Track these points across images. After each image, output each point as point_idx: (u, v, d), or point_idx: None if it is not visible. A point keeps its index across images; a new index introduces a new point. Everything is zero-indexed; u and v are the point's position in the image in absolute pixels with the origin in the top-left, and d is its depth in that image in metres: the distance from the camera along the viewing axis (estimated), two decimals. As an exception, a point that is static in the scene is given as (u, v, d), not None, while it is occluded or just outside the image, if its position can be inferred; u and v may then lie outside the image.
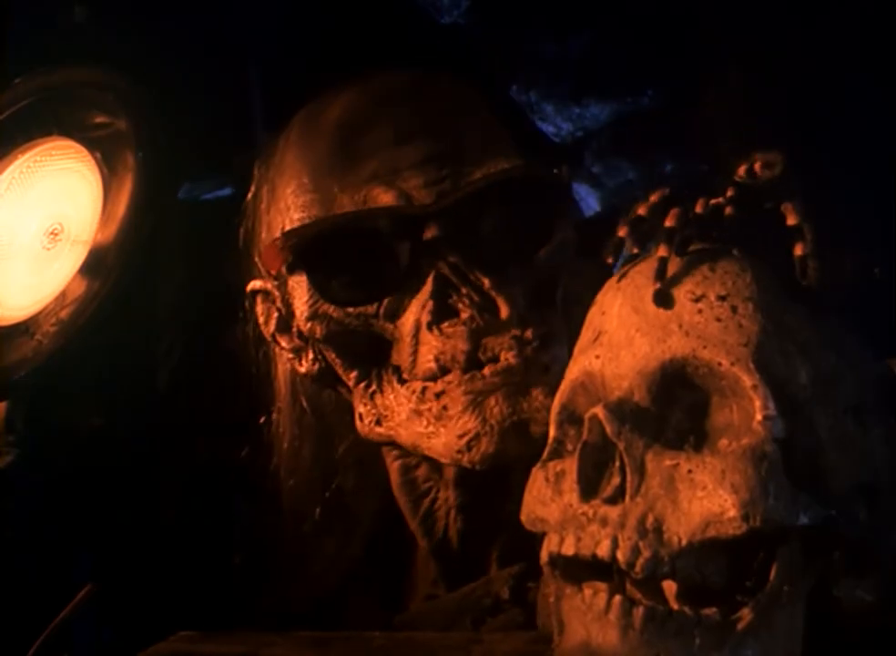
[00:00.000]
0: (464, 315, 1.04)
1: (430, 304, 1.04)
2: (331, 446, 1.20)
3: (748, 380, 0.77)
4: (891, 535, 0.80)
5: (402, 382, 1.08)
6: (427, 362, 1.05)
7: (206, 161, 1.52)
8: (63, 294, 1.35)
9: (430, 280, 1.05)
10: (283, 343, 1.16)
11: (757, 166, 0.85)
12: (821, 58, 1.41)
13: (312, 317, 1.10)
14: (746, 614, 0.76)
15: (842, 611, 0.79)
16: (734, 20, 1.46)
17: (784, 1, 1.45)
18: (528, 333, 1.04)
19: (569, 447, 0.85)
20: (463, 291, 1.04)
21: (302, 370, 1.16)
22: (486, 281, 1.04)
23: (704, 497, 0.75)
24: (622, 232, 0.86)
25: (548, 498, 0.82)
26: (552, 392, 0.96)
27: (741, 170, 0.85)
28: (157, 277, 1.42)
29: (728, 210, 0.83)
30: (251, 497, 1.31)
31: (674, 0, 1.53)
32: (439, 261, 1.05)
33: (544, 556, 0.82)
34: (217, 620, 1.09)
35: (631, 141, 1.63)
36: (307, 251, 1.09)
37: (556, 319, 1.08)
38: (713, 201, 0.84)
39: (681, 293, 0.81)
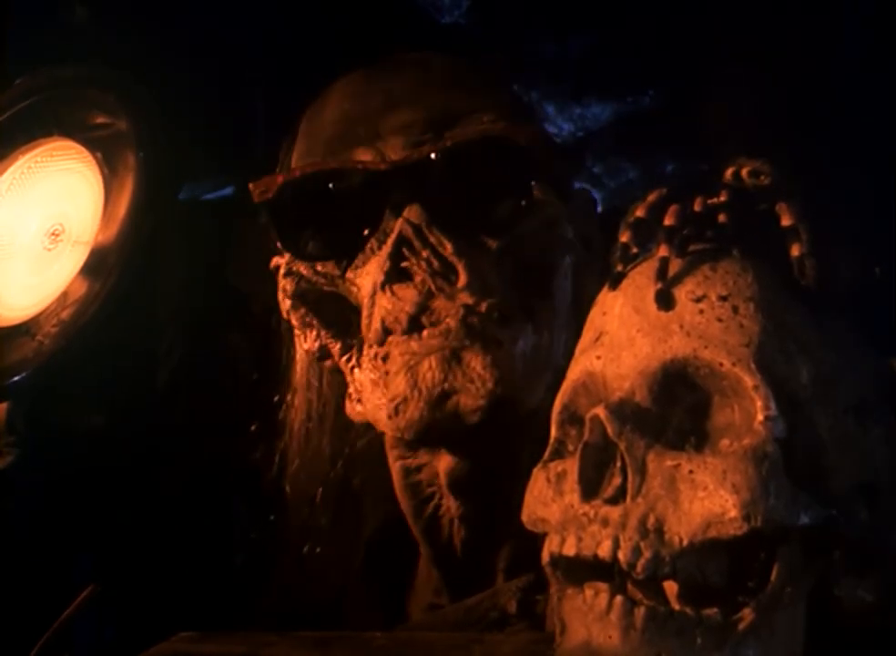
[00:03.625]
0: (417, 278, 1.02)
1: (387, 264, 1.02)
2: (345, 435, 1.19)
3: (749, 380, 0.77)
4: (892, 535, 0.80)
5: (363, 345, 1.07)
6: (376, 322, 1.03)
7: (207, 161, 1.52)
8: (64, 295, 1.35)
9: (392, 240, 1.03)
10: (294, 320, 1.14)
11: (744, 172, 0.84)
12: (821, 58, 1.41)
13: (287, 273, 1.11)
14: (747, 614, 0.76)
15: (843, 611, 0.79)
16: (734, 20, 1.46)
17: (784, 1, 1.45)
18: (483, 306, 1.01)
19: (570, 448, 0.85)
20: (423, 254, 1.02)
21: (306, 347, 1.15)
22: (448, 246, 1.02)
23: (705, 497, 0.75)
24: (625, 237, 0.85)
25: (549, 499, 0.82)
26: (496, 364, 0.98)
27: (728, 174, 0.85)
28: (158, 277, 1.42)
29: (722, 217, 0.82)
30: (252, 498, 1.31)
31: (674, 0, 1.53)
32: (403, 221, 1.02)
33: (545, 556, 0.82)
34: (217, 619, 1.09)
35: (632, 141, 1.63)
36: (279, 205, 1.09)
37: (543, 307, 1.06)
38: (710, 201, 0.84)
39: (682, 294, 0.81)
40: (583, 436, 0.80)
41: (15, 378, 1.35)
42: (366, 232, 1.05)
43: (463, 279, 1.01)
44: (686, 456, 0.77)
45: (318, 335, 1.13)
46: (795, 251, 0.81)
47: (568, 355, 0.87)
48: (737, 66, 1.47)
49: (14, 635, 1.20)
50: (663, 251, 0.83)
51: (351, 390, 1.10)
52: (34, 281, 1.39)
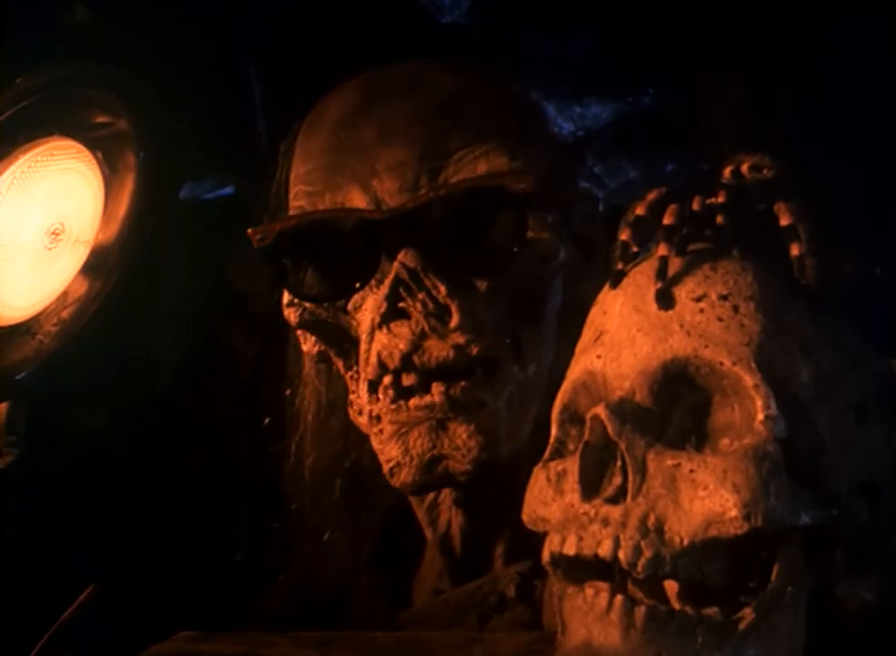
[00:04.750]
0: (413, 317, 1.05)
1: (384, 306, 1.06)
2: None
3: (749, 380, 0.77)
4: (893, 534, 0.80)
5: (361, 378, 1.10)
6: (373, 357, 1.07)
7: (207, 161, 1.52)
8: (64, 294, 1.35)
9: (388, 281, 1.06)
10: (291, 320, 1.16)
11: (744, 168, 0.84)
12: (821, 58, 1.41)
13: (290, 304, 1.14)
14: (747, 614, 0.76)
15: (844, 611, 0.79)
16: (734, 20, 1.46)
17: (784, 1, 1.45)
18: (474, 349, 1.05)
19: (570, 447, 0.85)
20: (419, 296, 1.05)
21: (306, 349, 1.18)
22: (443, 289, 1.05)
23: (705, 496, 0.75)
24: (624, 235, 0.86)
25: (549, 498, 0.82)
26: (480, 431, 1.03)
27: (727, 172, 0.85)
28: (159, 277, 1.42)
29: (720, 218, 0.83)
30: (253, 497, 1.31)
31: (674, 0, 1.53)
32: (399, 265, 1.06)
33: (545, 556, 0.82)
34: (217, 619, 1.09)
35: (632, 141, 1.63)
36: (277, 249, 1.12)
37: (533, 337, 1.09)
38: (709, 201, 0.84)
39: (682, 293, 0.81)
40: (583, 436, 0.80)
41: (16, 377, 1.35)
42: (363, 274, 1.09)
43: (455, 320, 1.05)
44: (686, 456, 0.77)
45: (317, 341, 1.17)
46: (794, 250, 0.81)
47: (559, 371, 0.89)
48: (737, 66, 1.47)
49: (14, 635, 1.20)
50: (662, 250, 0.83)
51: (353, 398, 1.14)
52: (34, 281, 1.39)
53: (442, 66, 1.17)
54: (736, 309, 0.80)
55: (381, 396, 1.07)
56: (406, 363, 1.05)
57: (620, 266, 0.85)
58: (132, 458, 1.40)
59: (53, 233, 1.40)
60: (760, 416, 0.76)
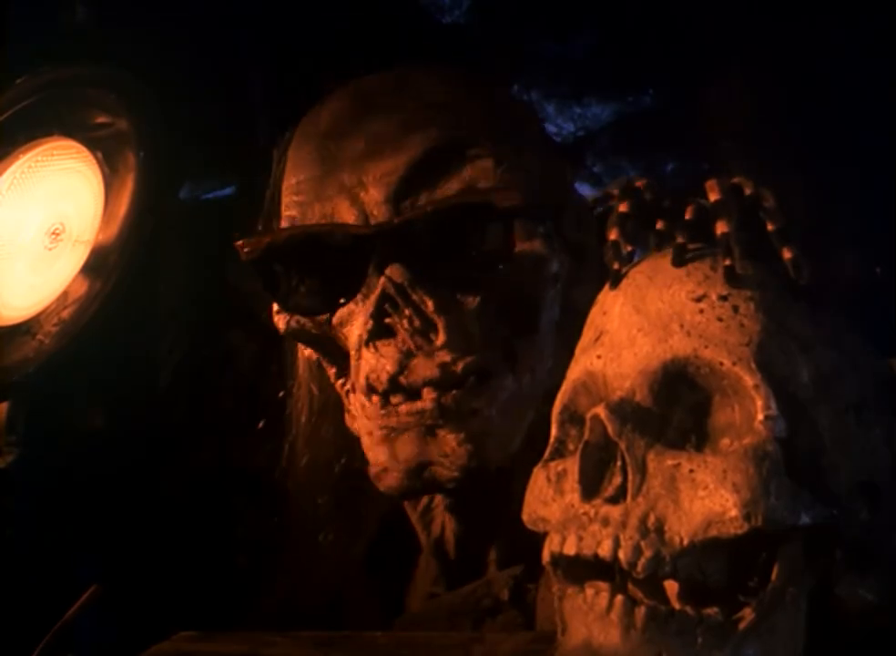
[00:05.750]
0: (399, 336, 1.05)
1: (370, 323, 1.05)
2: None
3: (749, 380, 0.77)
4: (893, 534, 0.80)
5: (353, 390, 1.11)
6: (361, 377, 1.07)
7: (207, 161, 1.52)
8: (64, 294, 1.35)
9: (375, 297, 1.05)
10: (280, 327, 1.17)
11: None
12: (821, 58, 1.41)
13: (278, 311, 1.14)
14: (747, 614, 0.76)
15: (844, 611, 0.79)
16: (734, 20, 1.46)
17: (785, 1, 1.45)
18: (460, 365, 1.04)
19: (570, 447, 0.85)
20: (406, 312, 1.04)
21: (301, 351, 1.19)
22: (430, 304, 1.05)
23: (705, 496, 0.75)
24: (613, 235, 0.85)
25: (549, 498, 0.82)
26: (470, 439, 1.02)
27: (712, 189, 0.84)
28: (159, 277, 1.42)
29: (680, 239, 0.82)
30: (253, 497, 1.31)
31: (674, 0, 1.53)
32: (385, 279, 1.05)
33: (545, 556, 0.82)
34: (217, 619, 1.09)
35: (632, 141, 1.64)
36: (266, 261, 1.12)
37: (527, 346, 1.08)
38: (705, 203, 0.84)
39: (682, 293, 0.81)
40: (583, 436, 0.80)
41: (16, 377, 1.35)
42: (350, 289, 1.08)
43: (441, 338, 1.04)
44: (686, 456, 0.77)
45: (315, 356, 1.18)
46: (786, 254, 0.81)
47: (555, 381, 0.88)
48: (736, 65, 1.47)
49: (14, 635, 1.20)
50: (680, 238, 0.82)
51: (346, 404, 1.14)
52: (34, 281, 1.39)
53: (427, 71, 1.17)
54: (736, 309, 0.80)
55: (371, 403, 1.07)
56: (394, 384, 1.04)
57: (616, 266, 0.85)
58: (132, 458, 1.40)
59: (53, 233, 1.40)
60: (760, 416, 0.76)
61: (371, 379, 1.05)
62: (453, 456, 1.03)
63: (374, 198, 1.08)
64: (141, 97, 1.39)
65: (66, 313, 1.33)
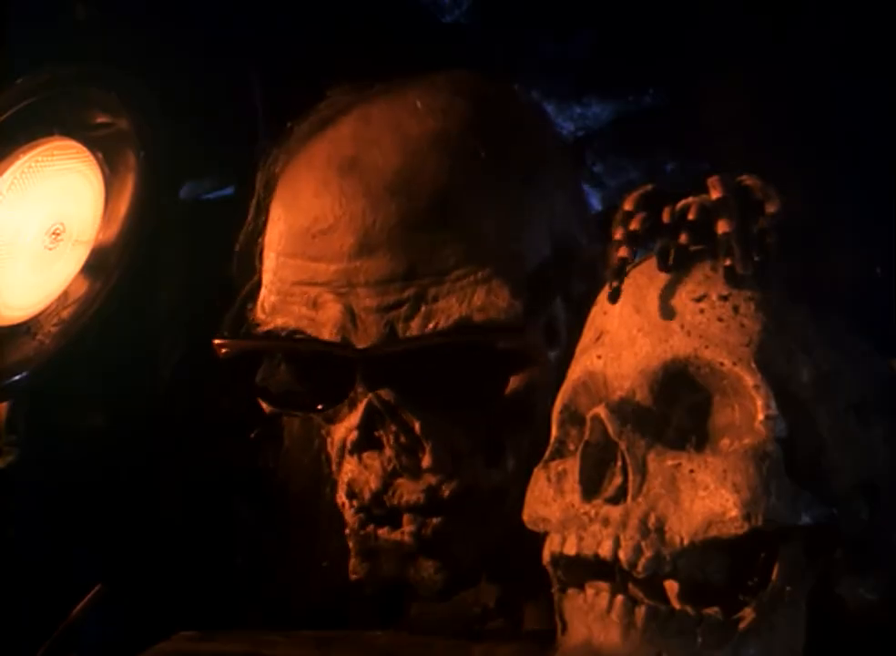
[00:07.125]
0: (386, 453, 1.01)
1: (355, 433, 1.01)
2: None
3: (749, 380, 0.77)
4: (893, 533, 0.80)
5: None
6: (344, 483, 1.03)
7: (207, 161, 1.52)
8: (65, 294, 1.35)
9: (362, 407, 1.00)
10: (264, 405, 1.12)
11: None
12: (822, 58, 1.42)
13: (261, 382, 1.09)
14: (748, 613, 0.76)
15: (844, 610, 0.79)
16: (734, 20, 1.46)
17: (785, 1, 1.45)
18: (446, 491, 1.00)
19: (571, 447, 0.85)
20: (392, 428, 1.00)
21: None
22: (417, 425, 1.00)
23: (706, 496, 0.75)
24: (623, 253, 0.84)
25: (550, 498, 0.82)
26: (447, 567, 1.01)
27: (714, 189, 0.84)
28: (159, 277, 1.42)
29: (681, 239, 0.82)
30: (254, 497, 1.31)
31: (674, 0, 1.54)
32: (374, 396, 1.00)
33: (546, 556, 0.82)
34: (217, 619, 1.09)
35: (633, 141, 1.64)
36: (244, 358, 1.08)
37: (519, 438, 1.02)
38: (705, 203, 0.84)
39: (683, 293, 0.81)
40: (583, 436, 0.80)
41: (16, 378, 1.35)
42: (335, 393, 1.03)
43: (427, 461, 1.00)
44: (686, 456, 0.77)
45: None
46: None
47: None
48: (737, 65, 1.47)
49: (14, 635, 1.20)
50: (684, 238, 0.82)
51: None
52: (34, 281, 1.39)
53: (434, 143, 1.02)
54: (736, 309, 0.80)
55: (350, 506, 1.03)
56: (376, 501, 1.01)
57: (616, 284, 0.84)
58: (132, 458, 1.40)
59: (53, 233, 1.40)
60: (760, 416, 0.76)
61: (354, 488, 1.02)
62: (430, 582, 1.01)
63: (366, 303, 1.00)
64: (142, 96, 1.39)
65: (66, 313, 1.33)
